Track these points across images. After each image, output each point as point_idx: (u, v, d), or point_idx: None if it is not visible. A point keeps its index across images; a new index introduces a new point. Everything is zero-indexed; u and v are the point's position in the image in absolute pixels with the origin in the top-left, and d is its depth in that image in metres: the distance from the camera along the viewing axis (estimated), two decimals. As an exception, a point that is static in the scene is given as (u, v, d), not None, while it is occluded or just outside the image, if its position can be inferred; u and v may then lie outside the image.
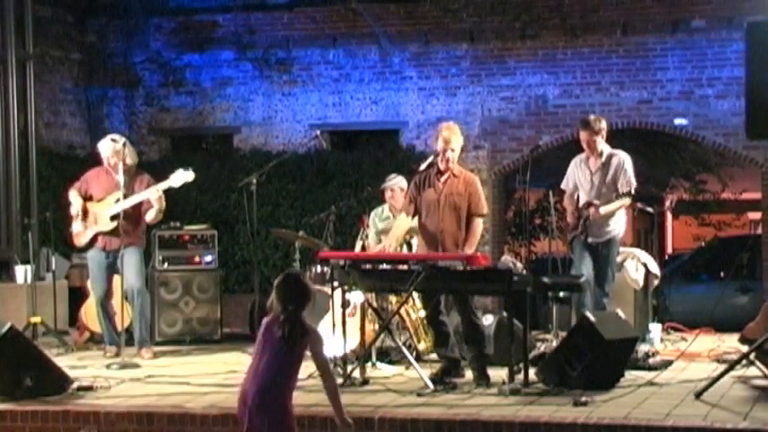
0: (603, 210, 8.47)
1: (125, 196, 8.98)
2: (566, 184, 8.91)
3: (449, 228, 7.74)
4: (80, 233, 9.30)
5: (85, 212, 9.27)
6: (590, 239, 8.62)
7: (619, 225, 8.70)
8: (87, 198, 9.31)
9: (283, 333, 5.21)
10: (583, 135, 8.70)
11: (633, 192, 8.51)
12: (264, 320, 5.36)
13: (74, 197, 9.33)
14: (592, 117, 8.78)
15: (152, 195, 9.05)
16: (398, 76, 13.66)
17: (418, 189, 7.88)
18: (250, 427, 5.18)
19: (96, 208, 9.22)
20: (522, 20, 13.04)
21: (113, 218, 9.06)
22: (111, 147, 9.22)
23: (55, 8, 13.67)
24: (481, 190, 7.88)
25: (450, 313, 8.10)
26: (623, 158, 8.65)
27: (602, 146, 8.67)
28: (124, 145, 9.14)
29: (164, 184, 9.16)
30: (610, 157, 8.66)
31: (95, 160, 9.67)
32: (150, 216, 9.17)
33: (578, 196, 8.77)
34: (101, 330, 9.56)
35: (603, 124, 8.69)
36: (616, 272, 9.22)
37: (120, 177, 8.94)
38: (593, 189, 8.65)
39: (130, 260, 9.11)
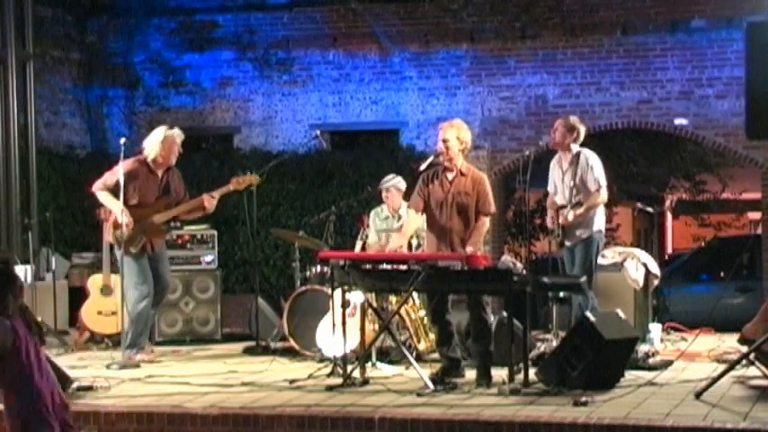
0: (571, 216, 8.55)
1: (171, 196, 8.92)
2: (549, 186, 8.98)
3: (457, 227, 7.73)
4: (130, 241, 8.71)
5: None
6: (567, 243, 8.70)
7: (592, 225, 8.64)
8: (113, 188, 8.77)
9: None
10: (557, 123, 8.78)
11: (601, 191, 8.58)
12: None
13: (112, 202, 8.71)
14: (572, 117, 8.85)
15: (207, 201, 8.89)
16: (398, 76, 13.66)
17: (426, 185, 7.87)
18: None
19: (141, 214, 8.71)
20: (522, 20, 13.05)
21: (166, 223, 8.92)
22: (178, 137, 8.86)
23: (55, 8, 13.68)
24: (489, 189, 7.87)
25: (452, 312, 8.10)
26: (588, 156, 8.68)
27: (568, 139, 8.68)
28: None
29: (223, 189, 8.99)
30: (577, 155, 8.69)
31: (95, 160, 9.62)
32: (194, 215, 9.13)
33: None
34: (105, 331, 9.61)
35: (582, 128, 8.73)
36: (616, 272, 9.29)
37: (177, 180, 8.93)
38: (566, 189, 8.71)
39: (165, 258, 9.11)
